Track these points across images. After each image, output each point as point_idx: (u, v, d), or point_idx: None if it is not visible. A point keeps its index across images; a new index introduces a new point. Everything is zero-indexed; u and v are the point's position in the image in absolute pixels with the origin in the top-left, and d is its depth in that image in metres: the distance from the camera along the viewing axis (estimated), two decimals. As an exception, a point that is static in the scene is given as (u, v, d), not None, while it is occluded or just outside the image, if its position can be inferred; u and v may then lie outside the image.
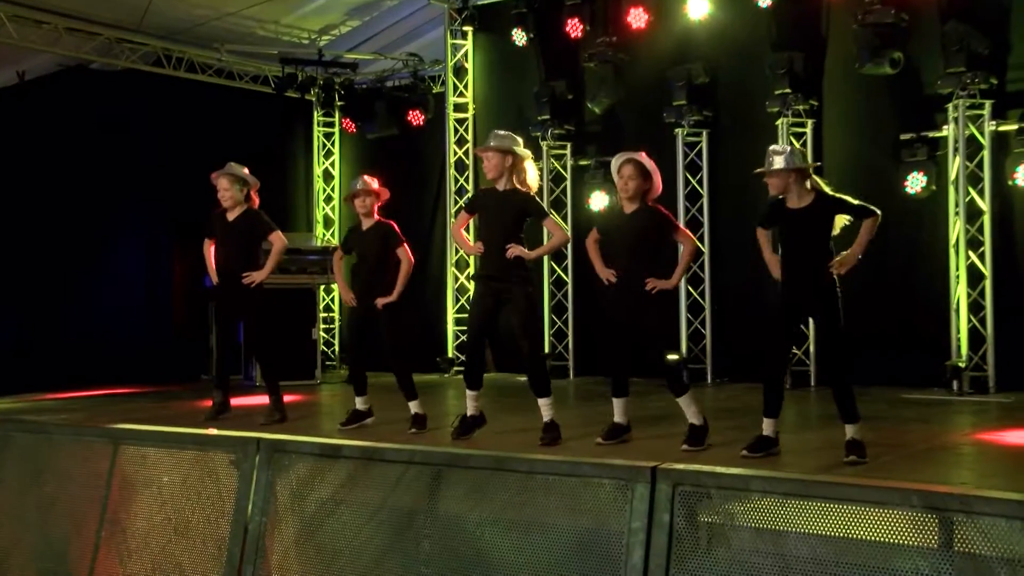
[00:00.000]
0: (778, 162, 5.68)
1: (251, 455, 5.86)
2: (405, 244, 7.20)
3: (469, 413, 6.52)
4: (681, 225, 6.11)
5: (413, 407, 7.04)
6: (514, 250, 6.24)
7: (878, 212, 5.69)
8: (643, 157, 6.06)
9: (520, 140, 6.48)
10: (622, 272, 6.10)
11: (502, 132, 6.49)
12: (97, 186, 11.17)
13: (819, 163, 5.96)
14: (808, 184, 5.71)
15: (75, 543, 6.31)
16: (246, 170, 7.66)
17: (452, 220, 12.01)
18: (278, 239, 7.58)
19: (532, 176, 6.43)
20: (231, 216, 7.59)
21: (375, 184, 7.27)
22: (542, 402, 6.36)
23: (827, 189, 5.78)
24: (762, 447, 5.67)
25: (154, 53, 11.68)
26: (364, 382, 7.27)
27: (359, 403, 7.26)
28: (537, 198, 6.48)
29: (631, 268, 6.07)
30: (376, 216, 7.26)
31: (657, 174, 6.09)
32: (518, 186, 6.38)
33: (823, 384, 9.41)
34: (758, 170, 5.79)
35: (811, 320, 5.88)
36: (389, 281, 7.12)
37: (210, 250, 7.69)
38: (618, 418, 6.26)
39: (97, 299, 11.14)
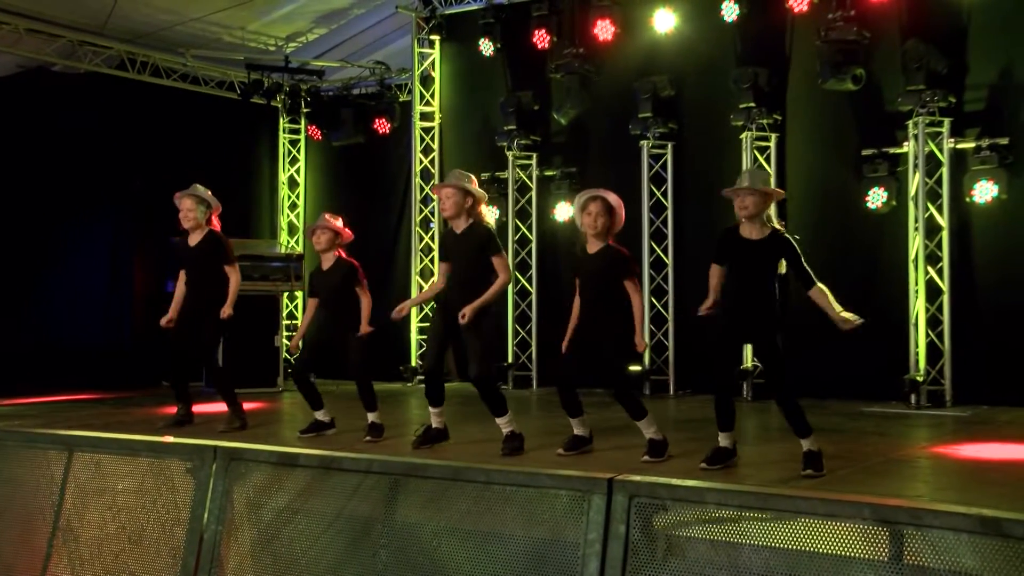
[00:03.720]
0: (761, 183, 5.69)
1: (208, 463, 5.81)
2: (365, 283, 7.18)
3: (433, 425, 6.57)
4: (635, 273, 6.10)
5: (372, 417, 7.03)
6: (467, 316, 6.20)
7: (818, 284, 5.59)
8: (608, 193, 6.09)
9: (473, 178, 6.51)
10: (585, 312, 6.12)
11: (459, 172, 6.53)
12: (57, 190, 11.04)
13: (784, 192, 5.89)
14: (766, 217, 5.73)
15: (25, 552, 6.21)
16: (209, 192, 7.64)
17: (416, 228, 12.01)
18: (233, 273, 7.54)
19: (487, 214, 6.54)
20: (193, 241, 7.58)
21: (336, 222, 7.24)
22: (500, 421, 6.39)
23: (778, 224, 5.80)
24: (720, 459, 5.70)
25: (118, 56, 11.58)
26: (317, 395, 7.25)
27: (319, 415, 7.24)
28: (494, 233, 6.49)
29: (594, 310, 6.08)
30: (337, 254, 7.23)
31: (622, 209, 6.12)
32: (474, 221, 6.42)
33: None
34: (739, 188, 5.70)
35: (750, 344, 5.84)
36: (354, 314, 7.09)
37: (179, 282, 7.69)
38: (578, 430, 6.28)
39: (56, 304, 11.01)
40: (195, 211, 7.51)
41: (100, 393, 10.29)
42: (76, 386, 10.36)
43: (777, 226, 5.76)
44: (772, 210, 5.81)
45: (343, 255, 7.26)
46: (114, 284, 11.65)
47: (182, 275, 7.69)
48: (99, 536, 6.04)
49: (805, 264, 5.63)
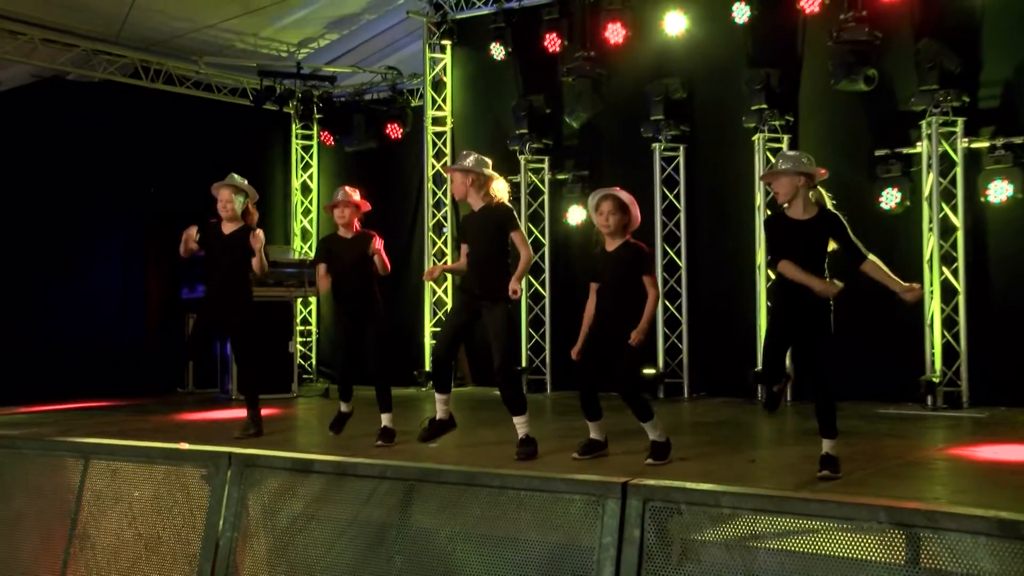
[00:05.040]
0: (787, 164, 5.64)
1: (222, 470, 5.81)
2: (383, 253, 7.23)
3: (438, 416, 6.54)
4: (655, 270, 6.09)
5: (385, 420, 7.05)
6: (514, 289, 6.19)
7: (869, 256, 5.56)
8: (619, 192, 6.09)
9: (488, 161, 6.51)
10: (604, 308, 6.11)
11: (467, 153, 6.56)
12: (73, 198, 11.11)
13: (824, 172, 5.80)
14: (812, 196, 5.66)
15: (43, 559, 6.23)
16: (246, 181, 7.63)
17: (429, 233, 12.03)
18: (259, 266, 7.46)
19: (501, 192, 6.47)
20: (227, 229, 7.51)
21: (356, 196, 7.28)
22: (517, 420, 6.35)
23: (830, 204, 5.71)
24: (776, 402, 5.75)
25: (132, 65, 11.64)
26: (351, 391, 7.37)
27: (343, 407, 7.34)
28: (511, 209, 6.50)
29: (613, 305, 6.07)
30: (356, 227, 7.27)
31: (635, 206, 6.11)
32: (492, 201, 6.40)
33: (799, 400, 9.44)
34: (767, 172, 5.72)
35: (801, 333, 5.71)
36: (372, 292, 7.14)
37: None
38: (594, 434, 6.27)
39: (71, 311, 11.05)
40: (233, 202, 7.45)
41: (115, 400, 10.33)
42: (91, 393, 10.41)
43: (828, 205, 5.67)
44: (823, 192, 5.70)
45: (360, 227, 7.33)
46: (128, 291, 11.71)
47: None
48: (116, 543, 6.05)
49: (854, 237, 5.57)
